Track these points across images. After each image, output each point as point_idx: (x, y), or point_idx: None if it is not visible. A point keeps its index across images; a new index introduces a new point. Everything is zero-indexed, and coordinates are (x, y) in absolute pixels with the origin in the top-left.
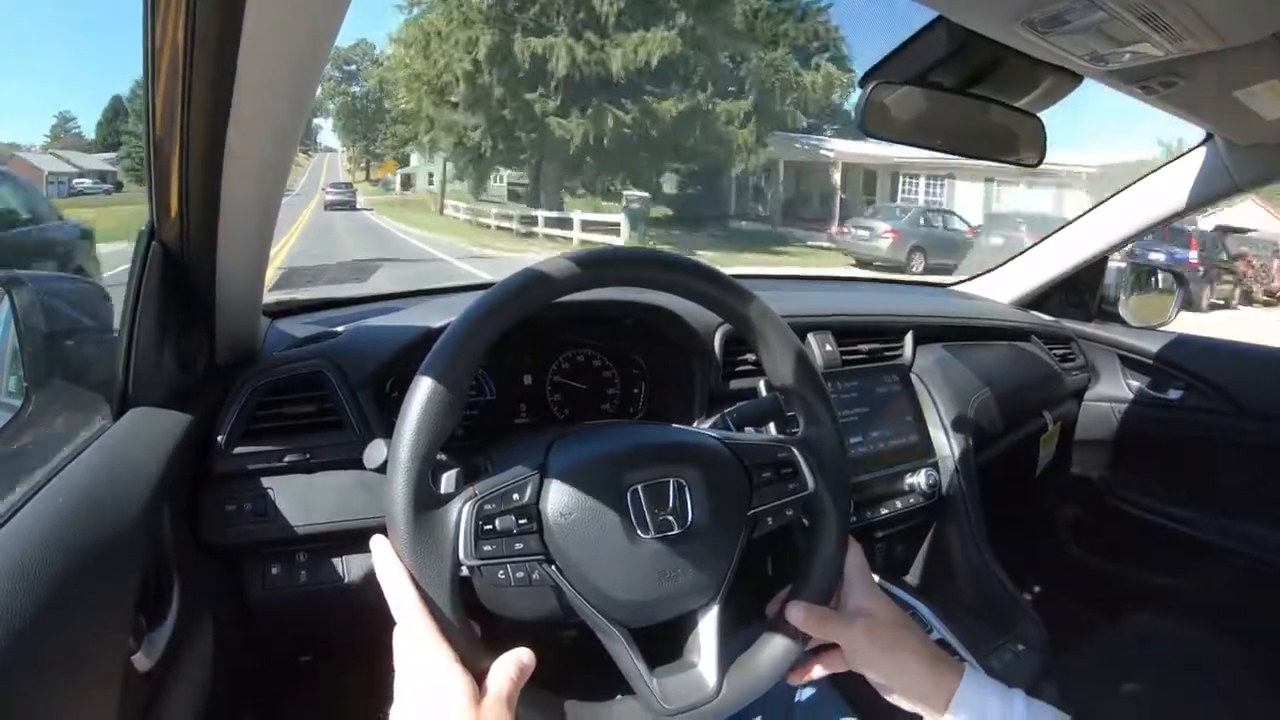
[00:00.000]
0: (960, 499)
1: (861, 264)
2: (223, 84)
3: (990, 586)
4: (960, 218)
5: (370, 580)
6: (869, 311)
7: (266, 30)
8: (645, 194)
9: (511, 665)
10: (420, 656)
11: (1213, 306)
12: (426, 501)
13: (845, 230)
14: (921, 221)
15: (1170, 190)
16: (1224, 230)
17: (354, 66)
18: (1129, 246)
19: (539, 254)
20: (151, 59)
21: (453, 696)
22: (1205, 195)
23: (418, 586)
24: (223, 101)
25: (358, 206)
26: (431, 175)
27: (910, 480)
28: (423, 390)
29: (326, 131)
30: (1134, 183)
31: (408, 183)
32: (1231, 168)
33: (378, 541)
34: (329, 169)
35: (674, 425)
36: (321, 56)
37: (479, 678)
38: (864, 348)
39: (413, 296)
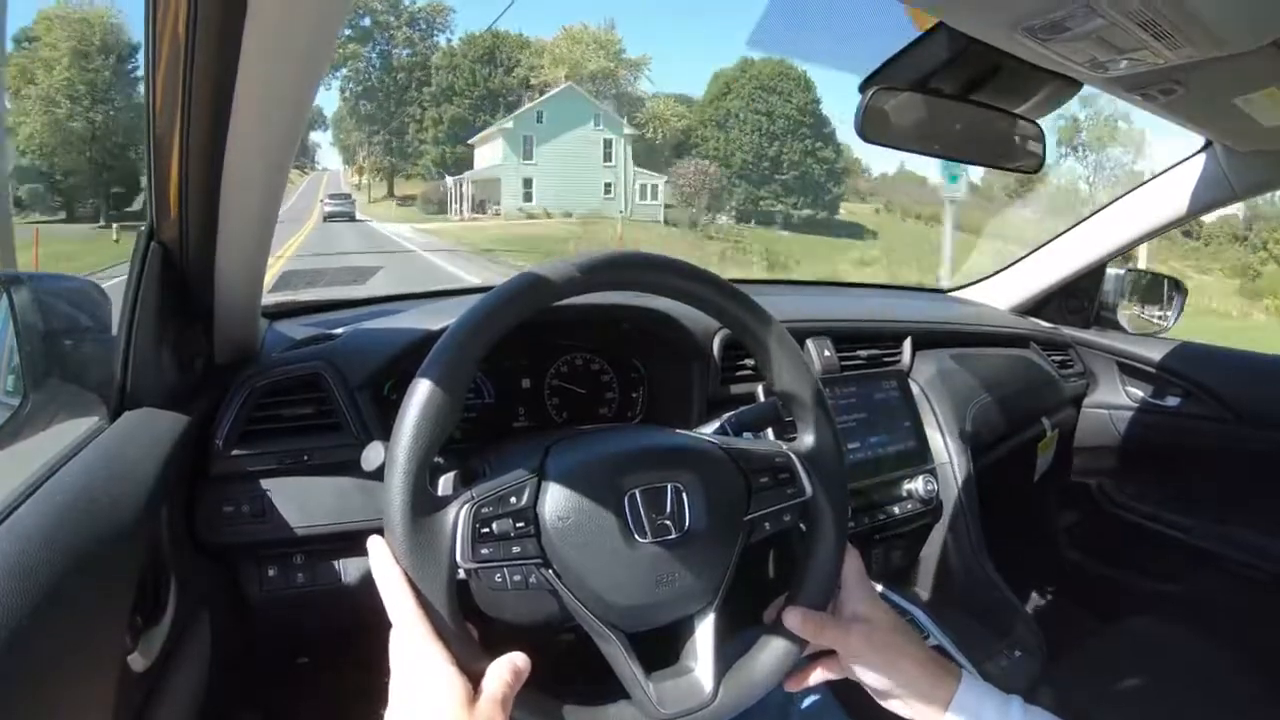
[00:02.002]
0: (958, 505)
1: None
2: (223, 84)
3: (987, 592)
4: None
5: (367, 582)
6: (867, 317)
7: (268, 29)
8: None
9: (506, 668)
10: (415, 658)
11: None
12: (424, 504)
13: None
14: None
15: (1169, 197)
16: None
17: (368, 21)
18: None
19: None
20: (152, 59)
21: (446, 697)
22: (1204, 202)
23: (414, 589)
24: (223, 101)
25: (357, 217)
26: (529, 182)
27: (908, 486)
28: (421, 393)
29: (325, 149)
30: (1133, 189)
31: (482, 199)
32: (1230, 175)
33: (374, 543)
34: (327, 187)
35: (672, 430)
36: (324, 55)
37: (475, 680)
38: (862, 353)
39: (411, 299)
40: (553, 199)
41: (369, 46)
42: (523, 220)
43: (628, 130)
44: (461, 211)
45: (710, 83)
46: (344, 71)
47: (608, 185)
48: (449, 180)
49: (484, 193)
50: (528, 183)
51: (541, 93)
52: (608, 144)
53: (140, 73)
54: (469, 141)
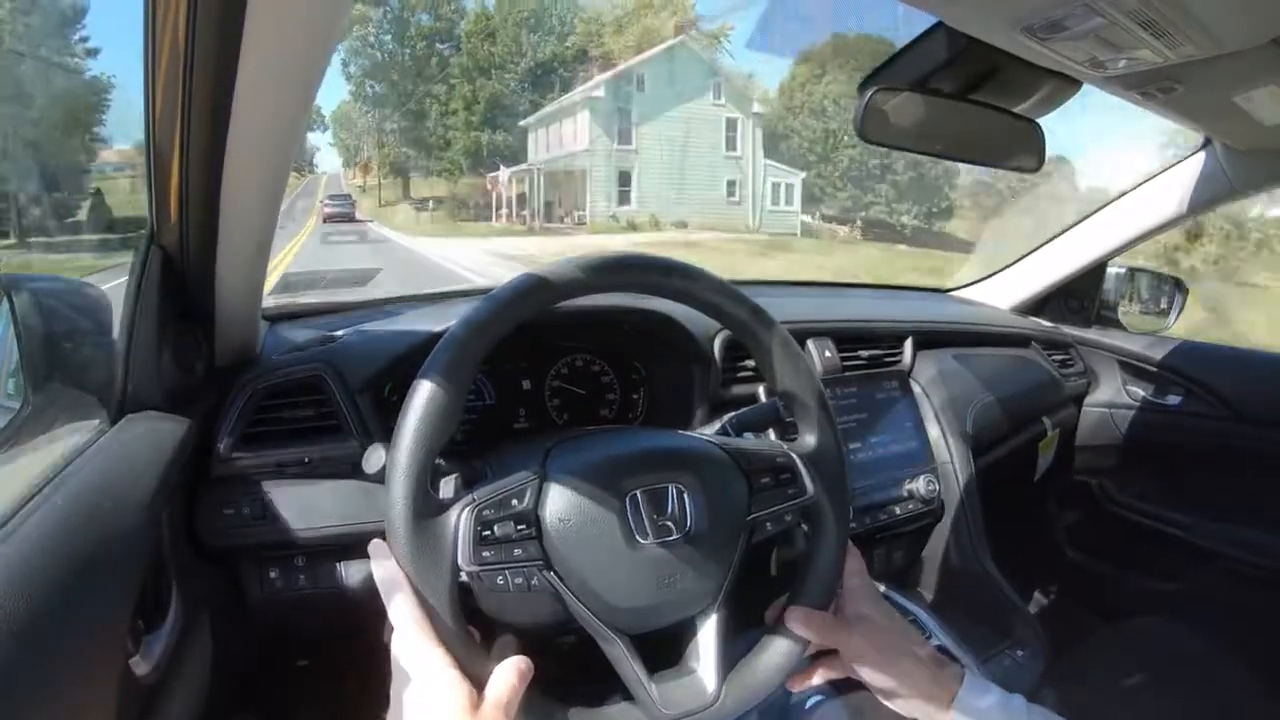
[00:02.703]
0: (960, 505)
1: None
2: (223, 87)
3: (989, 592)
4: None
5: (369, 585)
6: (869, 317)
7: (267, 32)
8: None
9: (511, 672)
10: (417, 662)
11: None
12: (425, 508)
13: None
14: None
15: (1169, 196)
16: None
17: None
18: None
19: None
20: (152, 63)
21: (449, 701)
22: (1204, 200)
23: (416, 592)
24: (223, 105)
25: (356, 217)
26: (627, 177)
27: (909, 486)
28: (422, 395)
29: (325, 150)
30: (1133, 188)
31: (548, 201)
32: (1230, 173)
33: (376, 546)
34: (327, 188)
35: (673, 431)
36: (323, 58)
37: (477, 684)
38: (864, 354)
39: (412, 301)
40: (659, 201)
41: (380, 10)
42: (621, 229)
43: (757, 108)
44: (531, 220)
45: (796, 63)
46: (349, 43)
47: (731, 184)
48: (502, 174)
49: (554, 191)
50: (624, 177)
51: (605, 66)
52: (730, 125)
53: (92, 42)
54: (522, 123)
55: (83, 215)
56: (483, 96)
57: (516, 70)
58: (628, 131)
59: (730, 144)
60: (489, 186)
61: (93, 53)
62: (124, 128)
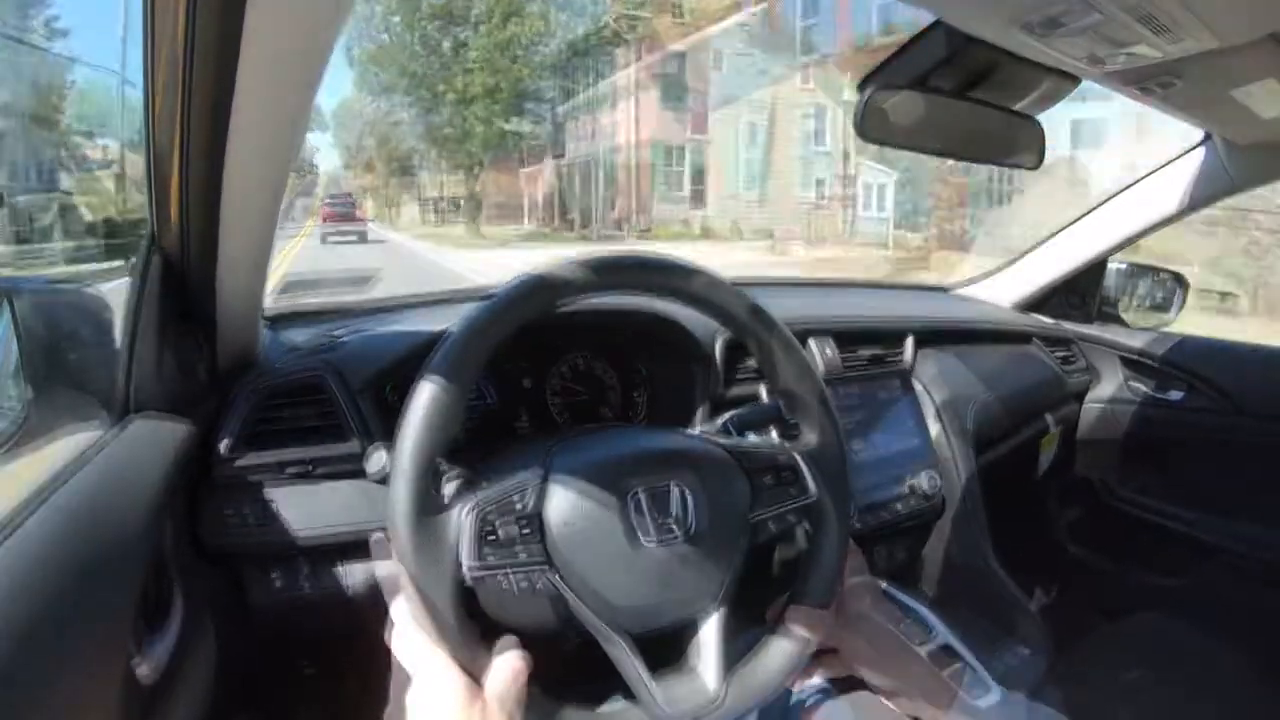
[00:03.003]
0: (962, 502)
1: None
2: (223, 91)
3: (992, 589)
4: None
5: (371, 588)
6: (869, 316)
7: (267, 30)
8: None
9: (507, 668)
10: (418, 660)
11: None
12: (428, 509)
13: None
14: None
15: (1169, 191)
16: None
17: None
18: None
19: None
20: (151, 68)
21: (448, 698)
22: (1204, 195)
23: (419, 591)
24: (223, 108)
25: (358, 217)
26: (701, 174)
27: (912, 484)
28: (424, 396)
29: (325, 151)
30: (1133, 184)
31: (604, 206)
32: (1230, 167)
33: (377, 542)
34: (327, 188)
35: (675, 430)
36: (322, 61)
37: (478, 682)
38: (865, 352)
39: (413, 303)
40: (738, 203)
41: None
42: (693, 237)
43: (848, 95)
44: (582, 226)
45: (845, 56)
46: (352, 22)
47: (820, 183)
48: (546, 167)
49: (609, 189)
50: (698, 175)
51: (652, 48)
52: (819, 114)
53: (61, 23)
54: (560, 108)
55: (49, 220)
56: (506, 83)
57: (545, 52)
58: (701, 118)
59: (818, 136)
60: (524, 184)
61: (60, 33)
62: (103, 122)
